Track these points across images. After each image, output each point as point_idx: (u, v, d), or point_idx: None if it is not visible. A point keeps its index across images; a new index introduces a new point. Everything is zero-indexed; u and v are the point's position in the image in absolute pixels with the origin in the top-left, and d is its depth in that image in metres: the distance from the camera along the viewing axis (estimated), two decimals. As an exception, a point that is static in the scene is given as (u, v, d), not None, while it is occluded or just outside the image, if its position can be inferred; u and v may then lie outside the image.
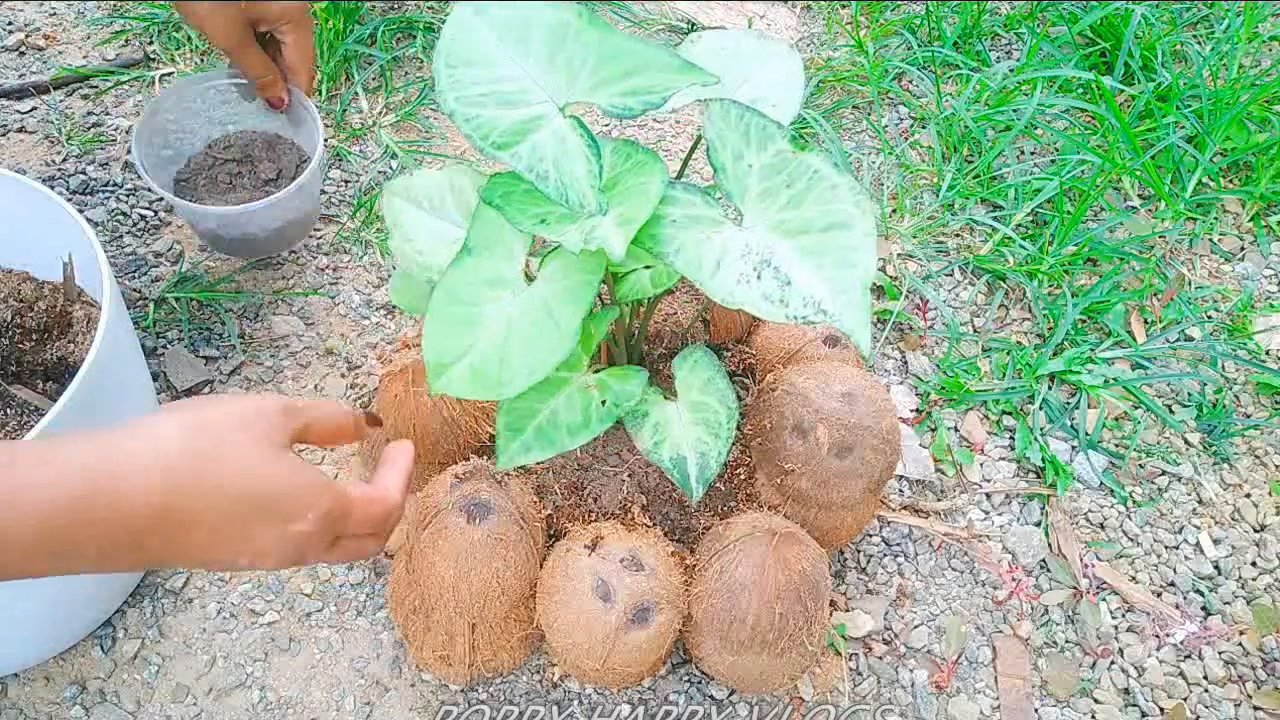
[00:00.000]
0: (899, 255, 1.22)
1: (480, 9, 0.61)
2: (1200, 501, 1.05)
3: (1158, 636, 0.95)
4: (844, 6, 1.55)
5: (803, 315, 0.57)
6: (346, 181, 1.23)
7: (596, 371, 0.72)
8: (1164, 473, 1.07)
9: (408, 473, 0.59)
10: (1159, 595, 0.97)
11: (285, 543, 0.51)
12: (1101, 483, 1.05)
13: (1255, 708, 0.90)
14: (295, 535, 0.51)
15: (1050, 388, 1.11)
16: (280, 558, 0.51)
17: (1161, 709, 0.90)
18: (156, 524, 0.46)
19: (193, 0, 0.84)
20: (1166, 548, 1.01)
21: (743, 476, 0.86)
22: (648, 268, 0.71)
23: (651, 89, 0.59)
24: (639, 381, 0.70)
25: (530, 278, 0.66)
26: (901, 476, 1.02)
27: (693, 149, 0.69)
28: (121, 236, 1.14)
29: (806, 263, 0.58)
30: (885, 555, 0.97)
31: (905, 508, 1.00)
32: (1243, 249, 1.29)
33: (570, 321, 0.62)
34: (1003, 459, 1.06)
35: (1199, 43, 1.46)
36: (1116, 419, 1.10)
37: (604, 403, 0.69)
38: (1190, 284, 1.24)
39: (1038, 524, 1.01)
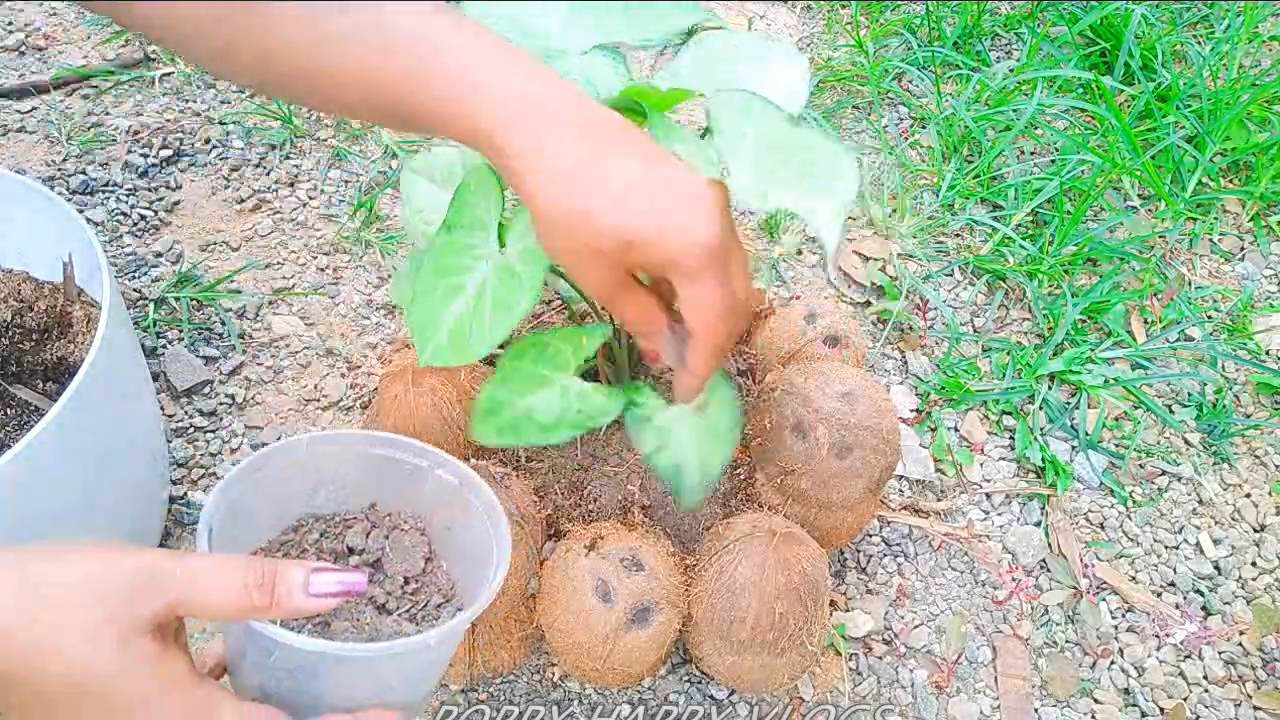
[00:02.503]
0: (899, 255, 1.22)
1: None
2: (1200, 501, 1.05)
3: (1158, 636, 0.95)
4: (844, 6, 1.55)
5: (777, 208, 0.59)
6: (346, 181, 1.23)
7: (586, 379, 0.72)
8: (1164, 473, 1.07)
9: None
10: (1159, 595, 0.97)
11: None
12: (1101, 483, 1.05)
13: (1255, 708, 0.90)
14: None
15: (1050, 388, 1.11)
16: None
17: (1161, 709, 0.90)
18: None
19: (558, 243, 0.57)
20: (1166, 548, 1.01)
21: (743, 476, 0.86)
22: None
23: (672, 27, 0.62)
24: (617, 404, 0.71)
25: (503, 244, 0.68)
26: (901, 476, 1.02)
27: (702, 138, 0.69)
28: (121, 236, 1.14)
29: (787, 190, 0.60)
30: (885, 555, 0.97)
31: (905, 508, 1.00)
32: (1243, 249, 1.29)
33: (532, 277, 0.63)
34: (1003, 459, 1.06)
35: (1199, 43, 1.46)
36: (1116, 419, 1.10)
37: (578, 411, 0.69)
38: (1190, 284, 1.24)
39: (1038, 524, 1.01)
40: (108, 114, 1.26)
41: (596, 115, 0.55)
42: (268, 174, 1.23)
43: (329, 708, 0.49)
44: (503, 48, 0.55)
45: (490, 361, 0.88)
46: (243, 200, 1.20)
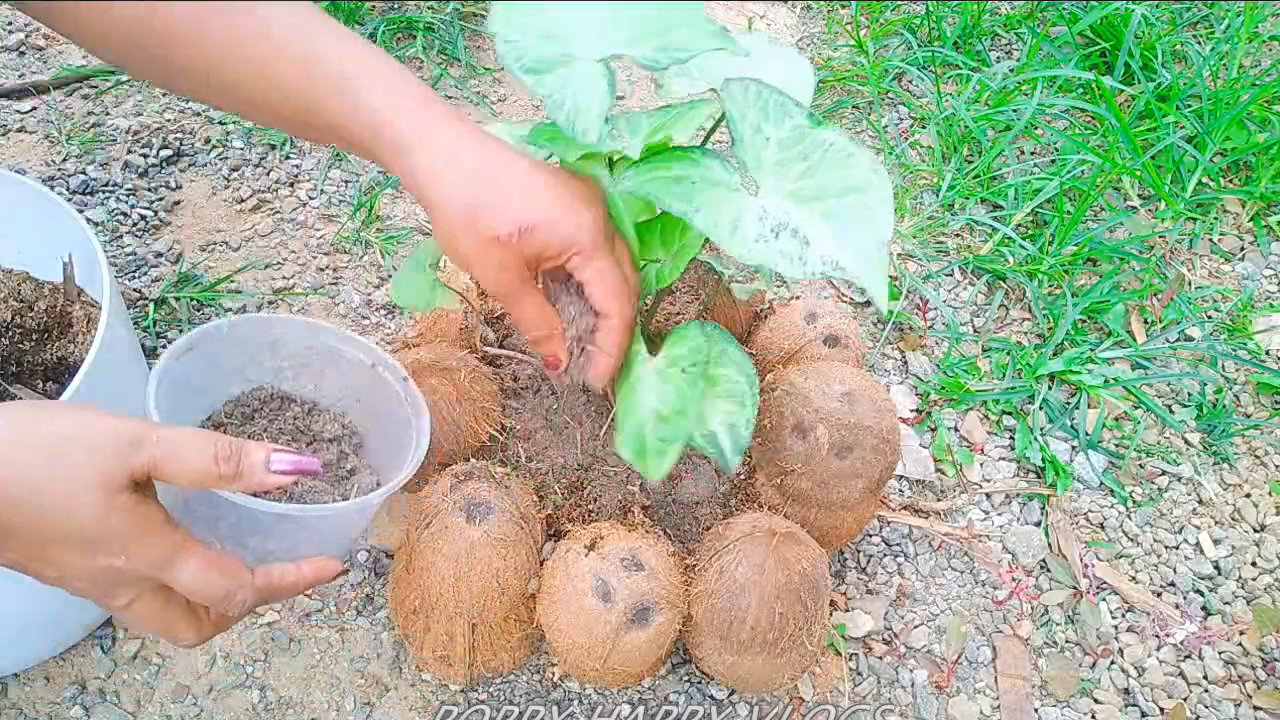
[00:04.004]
0: (899, 255, 1.22)
1: None
2: (1200, 501, 1.05)
3: (1158, 636, 0.95)
4: (844, 6, 1.55)
5: (821, 271, 0.58)
6: (346, 182, 1.23)
7: (652, 354, 0.71)
8: (1164, 473, 1.07)
9: (285, 585, 0.56)
10: (1159, 595, 0.97)
11: (94, 571, 0.49)
12: (1101, 483, 1.05)
13: (1255, 708, 0.90)
14: (106, 569, 0.49)
15: (1050, 388, 1.11)
16: (90, 585, 0.49)
17: (1161, 709, 0.90)
18: None
19: (455, 240, 0.59)
20: (1166, 548, 1.01)
21: (743, 476, 0.86)
22: (655, 262, 0.71)
23: (684, 46, 0.62)
24: (696, 332, 0.69)
25: None
26: (901, 476, 1.02)
27: (712, 130, 0.69)
28: (121, 236, 1.14)
29: (824, 225, 0.60)
30: (885, 555, 0.97)
31: (905, 508, 1.00)
32: (1243, 249, 1.29)
33: None
34: (1003, 459, 1.06)
35: (1199, 43, 1.46)
36: (1116, 419, 1.10)
37: (684, 371, 0.68)
38: (1190, 284, 1.24)
39: (1038, 524, 1.01)
40: (108, 114, 1.26)
41: (464, 119, 0.59)
42: (268, 174, 1.23)
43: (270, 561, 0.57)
44: (370, 45, 0.58)
45: (490, 361, 0.88)
46: (243, 200, 1.20)
